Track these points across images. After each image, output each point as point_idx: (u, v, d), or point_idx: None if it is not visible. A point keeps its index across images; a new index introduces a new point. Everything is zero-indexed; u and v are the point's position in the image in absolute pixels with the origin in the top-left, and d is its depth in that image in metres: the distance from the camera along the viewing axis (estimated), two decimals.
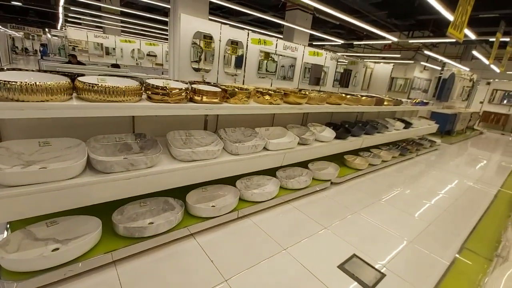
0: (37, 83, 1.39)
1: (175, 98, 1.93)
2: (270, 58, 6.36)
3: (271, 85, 6.33)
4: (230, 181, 2.49)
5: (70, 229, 1.69)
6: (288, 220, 2.43)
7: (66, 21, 12.96)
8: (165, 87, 1.90)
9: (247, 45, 5.56)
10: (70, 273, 1.51)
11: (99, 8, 9.97)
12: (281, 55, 6.37)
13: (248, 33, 5.52)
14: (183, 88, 1.99)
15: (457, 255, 2.17)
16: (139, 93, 1.80)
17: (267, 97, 2.59)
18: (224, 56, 5.34)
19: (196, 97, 2.11)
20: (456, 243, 2.37)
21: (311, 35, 7.75)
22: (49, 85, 1.43)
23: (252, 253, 1.93)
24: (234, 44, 5.40)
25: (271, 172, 2.84)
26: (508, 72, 10.39)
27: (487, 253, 2.11)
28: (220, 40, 5.13)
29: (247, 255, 1.91)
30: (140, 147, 1.97)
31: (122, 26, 12.08)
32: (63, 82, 1.50)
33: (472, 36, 5.08)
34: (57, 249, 1.55)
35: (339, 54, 8.12)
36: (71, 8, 9.19)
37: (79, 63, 6.81)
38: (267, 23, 10.93)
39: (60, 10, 9.33)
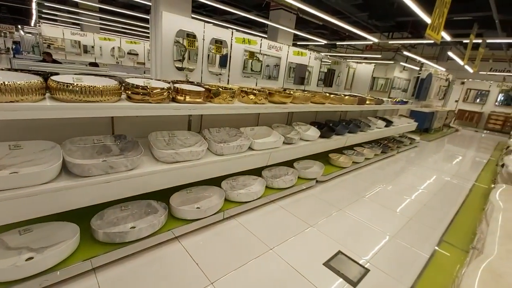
0: (6, 83, 1.30)
1: (156, 98, 1.88)
2: (255, 58, 6.36)
3: (256, 85, 6.32)
4: (216, 181, 2.46)
5: (45, 236, 1.60)
6: (274, 220, 2.43)
7: (40, 17, 12.33)
8: (146, 86, 1.84)
9: (231, 44, 5.52)
10: (46, 283, 1.43)
11: (76, 4, 9.57)
12: (265, 54, 6.38)
13: (232, 32, 5.48)
14: (165, 88, 1.93)
15: (436, 248, 2.26)
16: (118, 93, 1.74)
17: (251, 96, 2.58)
18: (208, 55, 5.27)
19: (179, 97, 2.06)
20: (435, 236, 2.46)
21: (295, 35, 7.82)
22: (19, 84, 1.34)
23: (238, 254, 1.91)
24: (218, 43, 5.35)
25: (256, 172, 2.84)
26: (480, 73, 10.97)
27: (464, 245, 2.21)
28: (203, 39, 5.06)
29: (233, 256, 1.89)
30: (120, 149, 1.90)
31: (101, 24, 11.63)
32: (34, 82, 1.41)
33: (447, 37, 5.31)
34: (32, 258, 1.46)
35: (322, 54, 8.25)
36: (46, 4, 8.75)
37: (55, 61, 6.50)
38: (251, 23, 10.92)
39: (34, 6, 8.86)
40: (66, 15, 11.45)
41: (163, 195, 2.10)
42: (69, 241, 1.54)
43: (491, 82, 11.56)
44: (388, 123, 5.20)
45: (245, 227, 2.25)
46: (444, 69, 10.35)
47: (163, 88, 1.91)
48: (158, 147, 2.02)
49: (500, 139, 9.43)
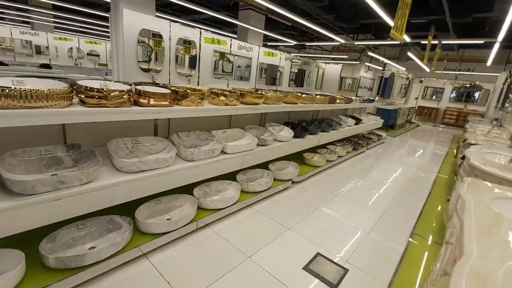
0: None
1: (115, 102, 1.69)
2: (226, 59, 6.23)
3: (227, 86, 6.20)
4: (188, 189, 2.30)
5: None
6: (250, 225, 2.33)
7: None
8: (102, 89, 1.65)
9: (200, 45, 5.34)
10: None
11: (25, 1, 8.70)
12: (236, 55, 6.28)
13: (201, 32, 5.30)
14: (125, 90, 1.76)
15: (409, 240, 2.33)
16: (68, 97, 1.53)
17: (222, 98, 2.46)
18: (177, 56, 5.05)
19: (141, 100, 1.89)
20: (407, 229, 2.55)
21: (265, 35, 7.83)
22: None
23: (214, 266, 1.79)
24: (187, 43, 5.14)
25: (231, 176, 2.72)
26: (436, 72, 11.88)
27: (434, 236, 2.31)
28: (170, 39, 4.83)
29: (209, 269, 1.76)
30: (73, 160, 1.68)
31: (55, 22, 10.72)
32: None
33: (407, 39, 5.64)
34: None
35: (292, 54, 8.35)
36: None
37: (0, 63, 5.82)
38: (221, 23, 10.76)
39: None
40: (15, 12, 10.37)
41: (129, 208, 1.91)
42: (12, 271, 1.32)
43: (445, 80, 12.59)
44: (358, 121, 5.37)
45: (221, 235, 2.12)
46: (404, 69, 11.05)
47: (122, 91, 1.73)
48: (119, 156, 1.83)
49: (455, 132, 10.27)
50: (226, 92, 2.56)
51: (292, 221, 2.46)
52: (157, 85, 2.48)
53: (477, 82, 11.91)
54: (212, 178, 2.54)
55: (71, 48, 10.12)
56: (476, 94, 12.06)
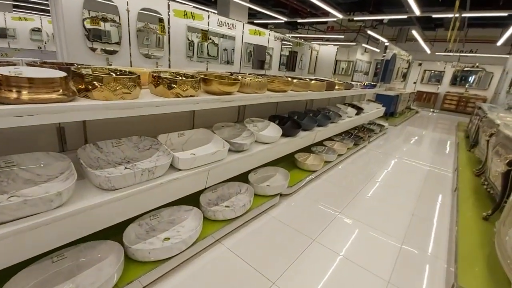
0: None
1: None
2: (210, 41, 5.33)
3: (206, 70, 5.28)
4: (118, 226, 1.49)
5: None
6: (214, 279, 1.56)
7: None
8: None
9: (168, 19, 4.37)
10: None
11: None
12: (215, 32, 5.31)
13: (169, 4, 4.32)
14: None
15: None
16: None
17: (169, 86, 1.61)
18: (140, 33, 4.09)
19: (6, 94, 1.04)
20: (441, 272, 1.83)
21: (252, 14, 6.83)
22: None
23: None
24: (153, 18, 4.17)
25: (193, 196, 1.91)
26: (437, 54, 11.08)
27: None
28: (128, 10, 3.84)
29: None
30: None
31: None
32: None
33: (417, 11, 4.78)
34: None
35: (283, 35, 7.38)
36: None
37: None
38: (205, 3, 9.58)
39: None
40: None
41: (5, 272, 1.10)
42: None
43: (445, 62, 11.82)
44: (359, 110, 4.58)
45: None
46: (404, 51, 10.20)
47: None
48: None
49: (458, 119, 9.64)
50: (179, 77, 1.71)
51: (278, 267, 1.70)
52: (65, 65, 1.61)
53: (477, 64, 11.17)
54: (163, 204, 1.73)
55: (38, 29, 8.90)
56: (479, 78, 11.36)
